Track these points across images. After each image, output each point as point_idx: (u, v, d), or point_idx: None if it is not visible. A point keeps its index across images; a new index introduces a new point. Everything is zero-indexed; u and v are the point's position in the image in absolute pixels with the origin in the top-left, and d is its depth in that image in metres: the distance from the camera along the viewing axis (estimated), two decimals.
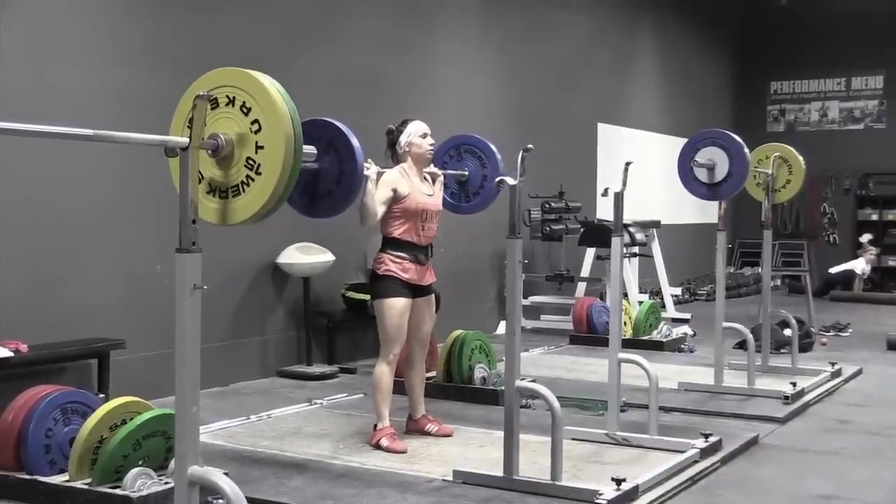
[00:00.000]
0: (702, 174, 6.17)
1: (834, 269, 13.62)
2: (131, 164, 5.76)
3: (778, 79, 15.86)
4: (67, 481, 3.92)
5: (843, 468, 4.83)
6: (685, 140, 6.50)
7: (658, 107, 13.31)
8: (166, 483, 3.80)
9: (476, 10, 9.42)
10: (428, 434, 5.06)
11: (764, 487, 4.46)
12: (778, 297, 11.91)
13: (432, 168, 5.04)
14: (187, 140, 2.86)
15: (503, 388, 4.51)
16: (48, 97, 5.44)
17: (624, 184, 5.00)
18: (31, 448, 3.97)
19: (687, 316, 10.18)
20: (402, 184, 4.79)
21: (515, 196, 4.30)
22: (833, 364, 7.28)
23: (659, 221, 10.84)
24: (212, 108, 2.96)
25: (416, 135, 4.92)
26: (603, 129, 11.72)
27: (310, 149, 3.63)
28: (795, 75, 15.70)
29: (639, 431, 4.95)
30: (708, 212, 11.10)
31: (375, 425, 4.88)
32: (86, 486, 3.86)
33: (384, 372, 4.84)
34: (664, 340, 8.46)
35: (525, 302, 9.33)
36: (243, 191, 2.97)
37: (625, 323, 8.15)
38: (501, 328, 8.91)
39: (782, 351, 7.85)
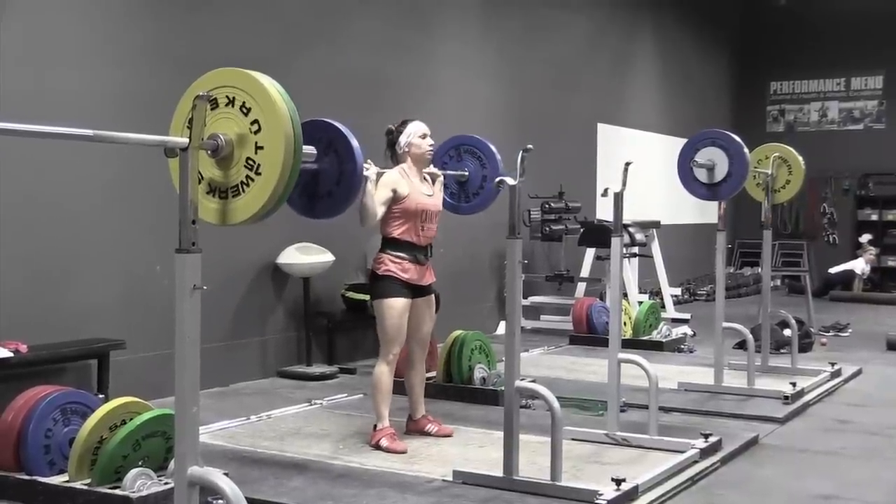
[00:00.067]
0: (701, 174, 6.17)
1: (833, 270, 13.63)
2: (131, 165, 5.76)
3: (777, 79, 15.87)
4: (67, 482, 3.92)
5: (842, 468, 4.83)
6: (685, 140, 6.50)
7: (658, 107, 13.31)
8: (166, 483, 3.80)
9: (476, 11, 9.42)
10: (428, 434, 5.06)
11: (764, 487, 4.46)
12: (778, 298, 11.91)
13: (432, 168, 5.04)
14: (187, 140, 2.86)
15: (503, 388, 4.51)
16: (48, 98, 5.44)
17: (624, 184, 5.00)
18: (30, 448, 3.97)
19: (687, 316, 10.19)
20: (401, 184, 4.80)
21: (515, 196, 4.30)
22: (833, 364, 7.29)
23: (659, 222, 10.85)
24: (211, 109, 2.96)
25: (416, 135, 4.92)
26: (603, 129, 11.73)
27: (309, 149, 3.63)
28: (795, 75, 15.70)
29: (639, 432, 4.95)
30: (708, 212, 11.10)
31: (375, 425, 4.88)
32: (85, 487, 3.85)
33: (384, 372, 4.84)
34: (664, 340, 8.46)
35: (525, 302, 9.33)
36: (243, 191, 2.97)
37: (624, 323, 8.15)
38: (501, 328, 8.91)
39: (782, 351, 7.85)
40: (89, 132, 2.75)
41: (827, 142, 15.02)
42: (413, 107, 7.41)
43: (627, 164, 5.00)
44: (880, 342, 8.94)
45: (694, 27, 14.39)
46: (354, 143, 3.87)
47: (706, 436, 4.85)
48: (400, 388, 5.16)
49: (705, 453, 4.72)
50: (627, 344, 7.36)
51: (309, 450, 4.81)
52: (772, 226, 7.21)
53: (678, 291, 11.77)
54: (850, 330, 9.86)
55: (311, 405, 5.94)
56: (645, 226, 10.02)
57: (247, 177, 2.96)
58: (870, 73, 15.17)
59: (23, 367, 5.16)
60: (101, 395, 5.21)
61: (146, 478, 3.81)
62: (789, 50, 15.60)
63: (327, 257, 7.03)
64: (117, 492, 3.77)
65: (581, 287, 10.01)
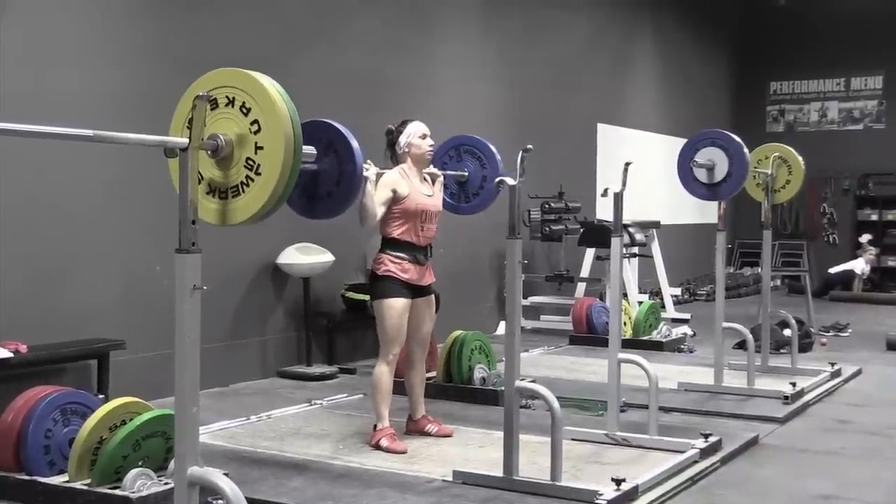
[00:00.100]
0: (701, 174, 6.17)
1: (833, 270, 13.63)
2: (131, 165, 5.76)
3: (777, 79, 15.87)
4: (67, 482, 3.92)
5: (842, 468, 4.83)
6: (685, 140, 6.50)
7: (657, 107, 13.31)
8: (166, 483, 3.80)
9: (476, 11, 9.42)
10: (428, 434, 5.06)
11: (764, 487, 4.46)
12: (777, 298, 11.91)
13: (432, 169, 5.04)
14: (187, 141, 2.86)
15: (503, 388, 4.51)
16: (48, 98, 5.44)
17: (623, 184, 5.00)
18: (30, 449, 3.97)
19: (687, 316, 10.19)
20: (401, 184, 4.80)
21: (515, 196, 4.30)
22: (833, 364, 7.29)
23: (658, 222, 10.84)
24: (211, 109, 2.96)
25: (416, 135, 4.92)
26: (602, 129, 11.73)
27: (309, 149, 3.63)
28: (795, 75, 15.70)
29: (638, 432, 4.95)
30: (707, 212, 11.11)
31: (375, 426, 4.88)
32: (85, 487, 3.85)
33: (384, 372, 4.84)
34: (664, 340, 8.46)
35: (525, 302, 9.33)
36: (243, 191, 2.97)
37: (624, 323, 8.15)
38: (501, 328, 8.91)
39: (782, 351, 7.85)
40: (89, 132, 2.75)
41: (827, 142, 15.03)
42: (413, 107, 7.41)
43: (627, 164, 5.00)
44: (880, 342, 8.94)
45: (694, 27, 14.38)
46: (354, 143, 3.87)
47: (706, 436, 4.85)
48: (400, 388, 5.16)
49: (705, 453, 4.72)
50: (627, 344, 7.36)
51: (309, 450, 4.81)
52: (772, 226, 7.21)
53: (678, 291, 11.77)
54: (849, 330, 9.86)
55: (311, 405, 5.93)
56: (645, 226, 10.02)
57: (247, 177, 2.96)
58: (870, 73, 15.17)
59: (23, 368, 5.16)
60: (101, 396, 5.21)
61: (146, 478, 3.81)
62: (789, 50, 15.60)
63: (327, 257, 7.03)
64: (117, 492, 3.77)
65: (581, 287, 10.01)
